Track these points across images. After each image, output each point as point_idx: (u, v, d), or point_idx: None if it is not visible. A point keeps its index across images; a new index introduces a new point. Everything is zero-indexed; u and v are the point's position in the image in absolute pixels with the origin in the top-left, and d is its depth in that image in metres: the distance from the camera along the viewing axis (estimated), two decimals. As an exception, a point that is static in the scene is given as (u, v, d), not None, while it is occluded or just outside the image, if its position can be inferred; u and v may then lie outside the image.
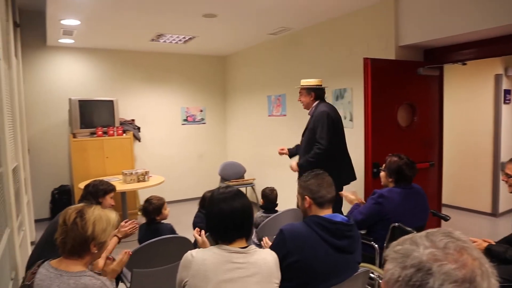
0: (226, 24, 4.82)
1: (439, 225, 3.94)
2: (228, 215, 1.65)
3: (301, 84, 3.71)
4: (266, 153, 6.22)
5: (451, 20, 3.40)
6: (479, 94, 5.73)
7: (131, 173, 4.99)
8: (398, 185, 2.69)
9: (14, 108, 3.44)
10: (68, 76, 6.04)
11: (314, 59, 5.05)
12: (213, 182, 6.59)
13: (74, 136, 5.68)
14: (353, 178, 3.69)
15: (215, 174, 6.62)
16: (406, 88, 3.88)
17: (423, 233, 0.80)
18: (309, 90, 3.65)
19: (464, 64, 3.86)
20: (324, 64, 4.87)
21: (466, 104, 5.87)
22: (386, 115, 3.77)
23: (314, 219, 1.85)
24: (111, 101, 5.98)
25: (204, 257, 1.57)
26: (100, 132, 5.79)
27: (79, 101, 5.70)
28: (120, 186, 4.66)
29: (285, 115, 5.77)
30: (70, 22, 4.53)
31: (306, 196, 1.92)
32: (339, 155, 3.60)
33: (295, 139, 5.53)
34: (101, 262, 1.89)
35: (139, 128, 6.53)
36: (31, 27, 5.46)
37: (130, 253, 2.07)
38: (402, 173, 2.67)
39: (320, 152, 3.41)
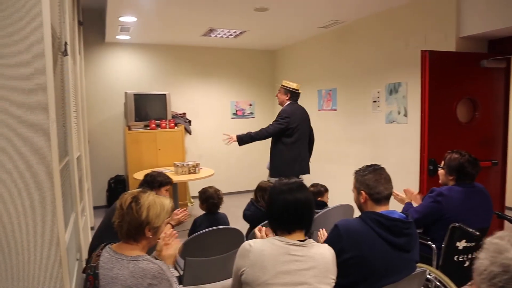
0: (277, 17, 4.80)
1: (502, 229, 3.70)
2: (291, 205, 1.65)
3: (282, 84, 4.19)
4: (315, 148, 6.15)
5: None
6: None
7: (183, 165, 5.13)
8: (459, 183, 2.55)
9: (78, 101, 3.66)
10: (124, 71, 6.33)
11: (367, 53, 4.90)
12: (261, 176, 6.60)
13: (129, 128, 5.95)
14: (306, 172, 4.32)
15: (263, 168, 6.64)
16: (467, 82, 3.66)
17: None
18: (287, 90, 4.13)
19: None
20: (377, 58, 4.71)
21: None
22: (444, 110, 3.59)
23: (370, 215, 1.80)
24: (164, 95, 6.18)
25: (263, 248, 1.58)
26: (153, 125, 6.01)
27: (134, 94, 5.95)
28: (171, 177, 4.80)
29: (335, 110, 5.66)
30: (128, 19, 4.73)
31: (362, 191, 1.87)
32: (293, 148, 4.11)
33: (345, 134, 5.45)
34: (169, 250, 1.83)
35: (190, 121, 6.70)
36: (92, 25, 5.76)
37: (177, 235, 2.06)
38: (464, 170, 2.52)
39: (266, 133, 4.03)
